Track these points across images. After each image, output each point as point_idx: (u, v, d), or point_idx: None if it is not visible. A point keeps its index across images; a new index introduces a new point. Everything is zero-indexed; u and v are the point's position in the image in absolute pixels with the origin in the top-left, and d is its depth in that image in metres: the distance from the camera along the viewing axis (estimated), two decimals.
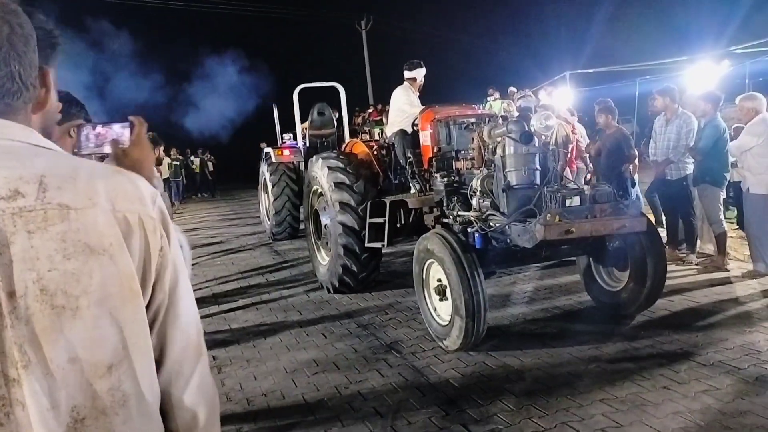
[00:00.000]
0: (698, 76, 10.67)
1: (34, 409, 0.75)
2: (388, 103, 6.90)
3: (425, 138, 5.63)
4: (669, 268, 4.83)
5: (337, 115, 11.33)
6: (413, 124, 6.01)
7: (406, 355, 4.39)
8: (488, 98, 13.56)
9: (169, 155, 18.22)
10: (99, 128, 1.35)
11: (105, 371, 0.80)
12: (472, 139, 5.05)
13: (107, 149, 1.33)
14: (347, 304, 5.92)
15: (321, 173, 6.18)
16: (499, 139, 4.50)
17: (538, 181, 4.28)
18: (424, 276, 4.68)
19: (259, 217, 11.67)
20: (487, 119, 5.52)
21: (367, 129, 16.29)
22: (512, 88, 13.61)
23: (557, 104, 9.12)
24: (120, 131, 1.35)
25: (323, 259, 6.62)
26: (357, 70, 26.35)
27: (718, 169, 6.18)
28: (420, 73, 6.30)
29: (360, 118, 18.08)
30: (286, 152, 10.24)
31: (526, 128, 4.24)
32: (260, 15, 26.33)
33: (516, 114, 11.84)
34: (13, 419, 0.74)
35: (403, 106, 6.18)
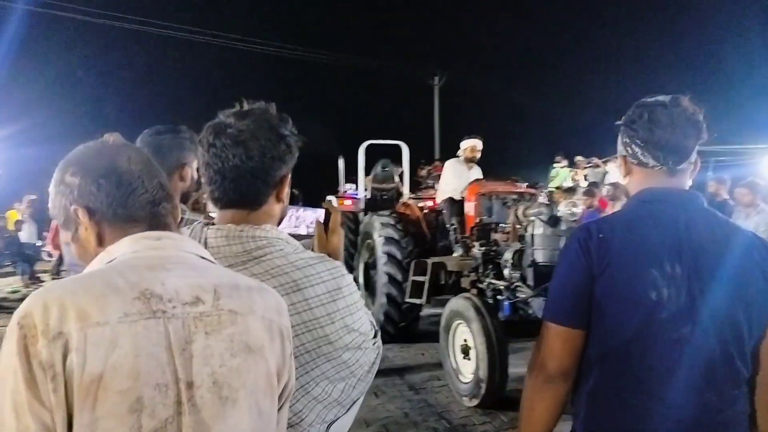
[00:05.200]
0: None
1: None
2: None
3: (469, 208, 6.20)
4: None
5: (399, 170, 12.02)
6: (461, 193, 6.60)
7: (456, 427, 4.54)
8: (555, 164, 13.65)
9: None
10: (299, 211, 1.67)
11: None
12: (510, 214, 5.57)
13: (302, 230, 1.60)
14: (399, 361, 6.16)
15: (374, 228, 6.83)
16: (531, 218, 5.01)
17: None
18: (451, 335, 5.17)
19: None
20: (527, 197, 6.04)
21: (430, 183, 16.89)
22: (579, 157, 13.65)
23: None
24: (316, 216, 1.64)
25: (369, 308, 7.18)
26: (426, 123, 27.15)
27: None
28: (467, 144, 6.89)
29: (425, 171, 18.72)
30: (348, 202, 10.96)
31: (554, 212, 4.74)
32: (333, 62, 27.52)
33: (583, 183, 11.96)
34: None
35: (452, 177, 6.80)
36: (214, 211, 1.37)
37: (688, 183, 1.51)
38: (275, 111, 1.31)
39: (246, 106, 1.30)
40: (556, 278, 1.50)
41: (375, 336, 1.36)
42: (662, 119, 1.45)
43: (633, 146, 1.50)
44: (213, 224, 1.29)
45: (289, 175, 1.32)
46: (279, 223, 1.35)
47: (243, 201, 1.26)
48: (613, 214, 1.56)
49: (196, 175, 2.29)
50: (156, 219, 1.03)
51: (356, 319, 1.27)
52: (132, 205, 1.01)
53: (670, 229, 1.40)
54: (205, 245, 1.22)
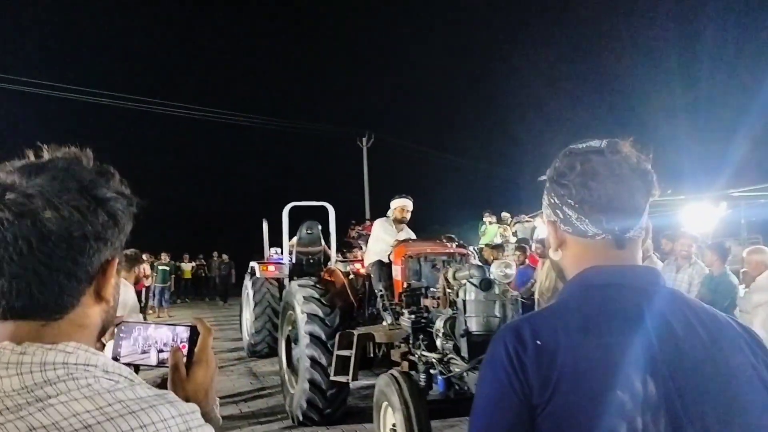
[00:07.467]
0: (695, 217, 10.71)
1: None
2: None
3: (397, 272, 5.72)
4: None
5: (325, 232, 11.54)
6: (389, 256, 6.12)
7: None
8: (485, 220, 13.68)
9: (159, 259, 18.29)
10: (150, 329, 1.03)
11: None
12: (440, 278, 5.12)
13: (152, 359, 1.01)
14: None
15: (296, 300, 6.22)
16: (462, 282, 4.57)
17: (496, 328, 4.29)
18: (381, 417, 4.58)
19: (240, 329, 11.57)
20: (458, 257, 5.63)
21: (361, 243, 16.58)
22: (505, 214, 13.82)
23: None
24: (175, 335, 1.02)
25: (292, 387, 6.49)
26: (356, 183, 27.10)
27: None
28: (396, 204, 6.49)
29: (355, 231, 18.41)
30: (272, 268, 10.33)
31: (487, 274, 4.32)
32: (258, 125, 27.32)
33: (513, 239, 11.90)
34: None
35: (381, 236, 6.34)
36: None
37: (640, 255, 1.12)
38: (91, 160, 0.85)
39: (45, 155, 0.84)
40: (478, 412, 1.04)
41: None
42: (600, 171, 1.08)
43: (564, 209, 1.11)
44: None
45: (117, 259, 0.85)
46: (100, 336, 0.87)
47: (33, 309, 0.78)
48: (550, 308, 1.12)
49: None
50: None
51: None
52: None
53: (634, 328, 0.99)
54: None
